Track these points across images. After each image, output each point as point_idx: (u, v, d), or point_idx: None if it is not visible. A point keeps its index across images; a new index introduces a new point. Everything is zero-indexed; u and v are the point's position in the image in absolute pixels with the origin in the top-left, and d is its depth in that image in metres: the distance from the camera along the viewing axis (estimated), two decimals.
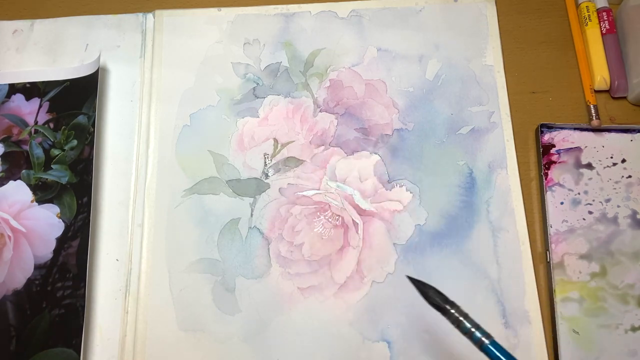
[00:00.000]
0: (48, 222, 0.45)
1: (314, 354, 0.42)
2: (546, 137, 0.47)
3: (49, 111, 0.48)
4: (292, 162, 0.47)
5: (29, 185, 0.46)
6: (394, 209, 0.45)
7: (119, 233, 0.46)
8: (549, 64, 0.50)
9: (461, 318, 0.30)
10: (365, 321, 0.43)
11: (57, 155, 0.47)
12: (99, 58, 0.49)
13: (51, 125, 0.48)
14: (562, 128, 0.47)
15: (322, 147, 0.47)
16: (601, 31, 0.50)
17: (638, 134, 0.47)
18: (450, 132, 0.47)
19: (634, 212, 0.45)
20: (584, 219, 0.45)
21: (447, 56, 0.50)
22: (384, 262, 0.44)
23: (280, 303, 0.43)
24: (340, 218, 0.45)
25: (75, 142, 0.47)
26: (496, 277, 0.43)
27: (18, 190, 0.46)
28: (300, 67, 0.50)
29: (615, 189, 0.45)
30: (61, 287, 0.43)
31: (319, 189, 0.46)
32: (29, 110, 0.49)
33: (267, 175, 0.47)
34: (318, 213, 0.46)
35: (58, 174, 0.46)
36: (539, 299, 0.43)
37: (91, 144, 0.46)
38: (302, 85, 0.49)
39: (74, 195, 0.45)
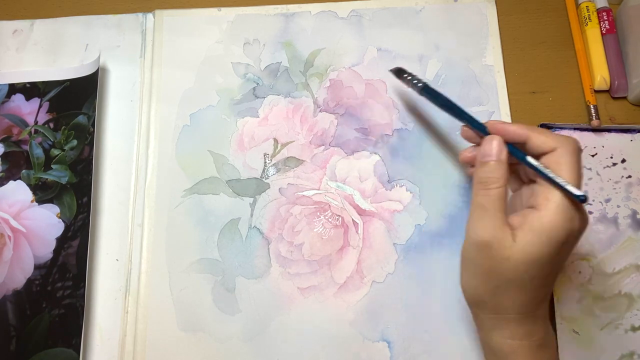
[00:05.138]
0: (48, 222, 0.45)
1: (314, 354, 0.42)
2: None
3: (49, 111, 0.48)
4: (292, 162, 0.47)
5: (29, 185, 0.46)
6: (394, 209, 0.45)
7: (119, 233, 0.46)
8: (549, 64, 0.50)
9: (410, 77, 0.42)
10: (365, 321, 0.43)
11: (57, 155, 0.47)
12: (98, 58, 0.49)
13: (51, 125, 0.48)
14: (562, 128, 0.47)
15: (322, 147, 0.47)
16: (601, 31, 0.50)
17: (638, 134, 0.47)
18: (450, 132, 0.47)
19: (634, 212, 0.45)
20: None
21: (447, 56, 0.49)
22: (384, 262, 0.44)
23: (280, 303, 0.43)
24: (340, 218, 0.45)
25: (75, 142, 0.47)
26: None
27: (18, 190, 0.46)
28: (300, 67, 0.50)
29: (615, 189, 0.45)
30: (61, 287, 0.43)
31: (319, 189, 0.46)
32: (29, 110, 0.49)
33: (267, 175, 0.47)
34: (318, 213, 0.46)
35: (58, 174, 0.46)
36: None
37: (91, 144, 0.46)
38: (302, 85, 0.49)
39: (74, 195, 0.45)
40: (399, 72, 0.43)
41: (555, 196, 0.31)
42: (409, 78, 0.42)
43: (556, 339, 0.42)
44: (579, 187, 0.32)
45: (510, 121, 0.47)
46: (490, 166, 0.34)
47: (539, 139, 0.33)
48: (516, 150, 0.34)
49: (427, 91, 0.39)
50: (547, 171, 0.32)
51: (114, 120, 0.49)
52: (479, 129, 0.36)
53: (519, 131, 0.34)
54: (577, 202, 0.31)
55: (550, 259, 0.32)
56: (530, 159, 0.33)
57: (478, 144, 0.37)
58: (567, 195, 0.31)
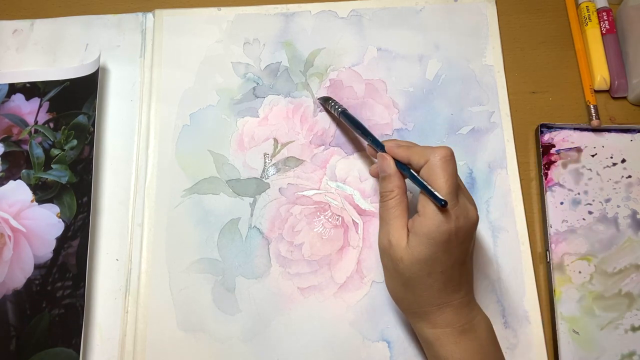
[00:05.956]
0: (48, 222, 0.45)
1: (314, 354, 0.42)
2: (546, 137, 0.47)
3: (49, 111, 0.48)
4: (292, 162, 0.47)
5: (29, 185, 0.46)
6: None
7: (119, 233, 0.46)
8: (549, 64, 0.50)
9: (333, 103, 0.46)
10: (365, 321, 0.43)
11: (57, 155, 0.47)
12: (99, 58, 0.49)
13: (51, 125, 0.48)
14: (562, 128, 0.47)
15: (322, 147, 0.47)
16: (601, 31, 0.50)
17: (638, 134, 0.47)
18: (450, 132, 0.47)
19: (634, 212, 0.45)
20: (584, 219, 0.45)
21: (447, 56, 0.50)
22: None
23: (280, 303, 0.43)
24: (340, 218, 0.45)
25: (75, 142, 0.47)
26: (496, 277, 0.43)
27: (18, 190, 0.46)
28: (300, 67, 0.50)
29: (615, 189, 0.45)
30: (61, 287, 0.43)
31: (319, 189, 0.46)
32: (29, 110, 0.49)
33: (267, 175, 0.47)
34: (318, 213, 0.46)
35: (58, 174, 0.46)
36: (539, 299, 0.43)
37: (91, 144, 0.46)
38: (302, 85, 0.49)
39: (74, 195, 0.45)
40: (326, 100, 0.47)
41: (431, 202, 0.34)
42: (332, 104, 0.46)
43: (556, 338, 0.42)
44: (451, 188, 0.34)
45: (510, 121, 0.47)
46: (384, 181, 0.38)
47: (415, 156, 0.36)
48: (401, 165, 0.37)
49: (345, 115, 0.44)
50: (419, 181, 0.35)
51: (114, 120, 0.49)
52: (378, 148, 0.39)
53: (401, 153, 0.37)
54: (440, 206, 0.33)
55: (439, 256, 0.34)
56: (409, 171, 0.37)
57: None
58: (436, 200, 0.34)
